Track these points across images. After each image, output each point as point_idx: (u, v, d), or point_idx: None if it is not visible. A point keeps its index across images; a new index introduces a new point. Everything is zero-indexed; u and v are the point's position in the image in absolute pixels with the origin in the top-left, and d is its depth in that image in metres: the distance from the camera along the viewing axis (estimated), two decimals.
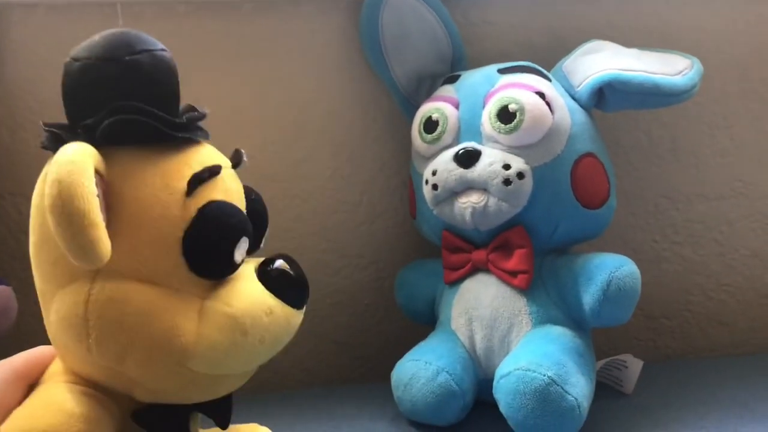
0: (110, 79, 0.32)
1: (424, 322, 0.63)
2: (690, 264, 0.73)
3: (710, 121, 0.70)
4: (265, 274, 0.35)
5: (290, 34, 0.65)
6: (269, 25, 0.65)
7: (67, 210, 0.28)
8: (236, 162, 0.38)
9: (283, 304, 0.35)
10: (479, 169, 0.54)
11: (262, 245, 0.39)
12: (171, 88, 0.34)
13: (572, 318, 0.54)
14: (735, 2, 0.69)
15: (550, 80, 0.57)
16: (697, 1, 0.69)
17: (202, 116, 0.36)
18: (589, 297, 0.52)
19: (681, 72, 0.58)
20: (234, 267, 0.35)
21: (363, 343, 0.71)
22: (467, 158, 0.54)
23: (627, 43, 0.62)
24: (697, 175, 0.71)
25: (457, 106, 0.57)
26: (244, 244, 0.35)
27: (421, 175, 0.58)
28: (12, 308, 0.55)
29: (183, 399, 0.36)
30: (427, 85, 0.64)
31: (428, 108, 0.58)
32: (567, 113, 0.55)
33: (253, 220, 0.36)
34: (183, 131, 0.34)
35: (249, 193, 0.38)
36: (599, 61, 0.57)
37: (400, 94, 0.64)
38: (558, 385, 0.48)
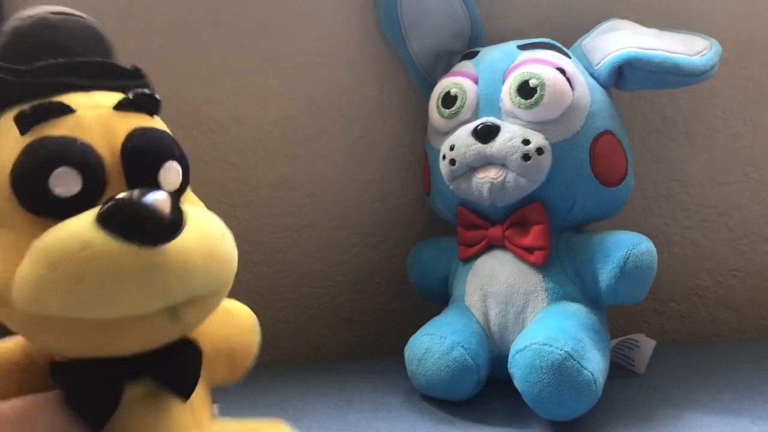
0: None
1: (436, 300, 0.63)
2: (700, 248, 0.73)
3: (724, 106, 0.70)
4: (103, 208, 0.31)
5: (307, 8, 0.65)
6: (284, 1, 0.65)
7: None
8: (121, 102, 0.36)
9: (111, 236, 0.30)
10: (498, 144, 0.53)
11: (165, 184, 0.35)
12: (51, 45, 0.35)
13: (588, 295, 0.54)
14: None
15: (570, 57, 0.57)
16: None
17: (69, 63, 0.35)
18: (605, 274, 0.52)
19: (700, 52, 0.58)
20: (57, 201, 0.32)
21: (373, 320, 0.71)
22: (486, 133, 0.54)
23: (646, 23, 0.61)
24: (709, 160, 0.71)
25: (476, 81, 0.57)
26: (65, 176, 0.32)
27: (437, 151, 0.58)
28: None
29: (53, 346, 0.34)
30: (444, 61, 0.63)
31: (447, 83, 0.58)
32: (587, 90, 0.55)
33: (135, 156, 0.34)
34: (30, 76, 0.34)
35: (138, 131, 0.35)
36: (619, 40, 0.57)
37: (417, 70, 0.64)
38: (575, 360, 0.48)
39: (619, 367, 0.61)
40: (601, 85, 0.57)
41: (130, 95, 0.36)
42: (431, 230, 0.69)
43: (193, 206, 0.35)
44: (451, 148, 0.56)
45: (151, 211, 0.31)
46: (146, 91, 0.36)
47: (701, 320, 0.74)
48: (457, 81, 0.57)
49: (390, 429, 0.51)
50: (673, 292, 0.74)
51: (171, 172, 0.36)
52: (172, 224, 0.32)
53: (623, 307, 0.70)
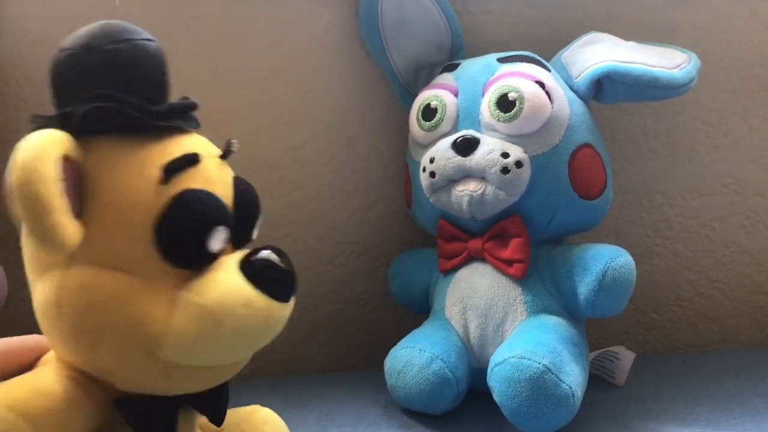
0: (90, 68, 0.33)
1: (417, 311, 0.63)
2: (681, 259, 0.73)
3: (705, 118, 0.71)
4: (247, 265, 0.33)
5: (289, 19, 0.65)
6: (268, 11, 0.65)
7: (28, 195, 0.28)
8: (225, 152, 0.37)
9: (265, 296, 0.33)
10: (477, 157, 0.54)
11: (254, 237, 0.38)
12: (154, 77, 0.35)
13: (567, 308, 0.55)
14: (732, 0, 0.69)
15: (549, 70, 0.57)
16: None
17: (187, 105, 0.36)
18: (584, 287, 0.52)
19: (679, 66, 0.58)
20: (208, 257, 0.33)
21: (356, 331, 0.71)
22: (466, 146, 0.54)
23: (625, 36, 0.62)
24: (690, 171, 0.72)
25: (456, 94, 0.57)
26: (220, 234, 0.33)
27: (417, 163, 0.58)
28: (2, 288, 0.54)
29: (162, 390, 0.35)
30: (425, 73, 0.63)
31: (427, 95, 0.58)
32: (566, 103, 0.55)
33: (241, 211, 0.36)
34: (161, 119, 0.34)
35: (239, 183, 0.37)
36: (598, 53, 0.58)
37: (398, 82, 0.64)
38: (553, 374, 0.48)
39: (598, 379, 0.61)
40: (581, 98, 0.57)
41: (233, 147, 0.37)
42: (414, 241, 0.69)
43: None
44: (431, 161, 0.56)
45: (288, 271, 0.34)
46: (233, 140, 0.37)
47: (683, 331, 0.75)
48: (437, 93, 0.58)
49: None
50: (655, 302, 0.74)
51: (258, 224, 0.38)
52: (296, 279, 0.35)
53: (605, 318, 0.70)
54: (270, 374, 0.68)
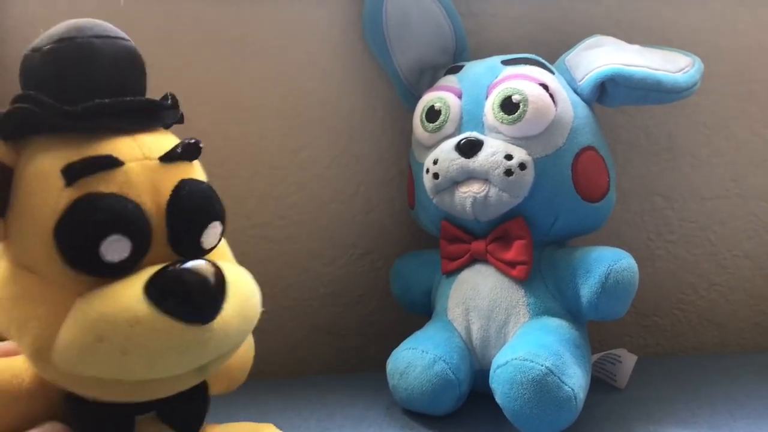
0: (32, 69, 0.34)
1: (419, 312, 0.63)
2: (683, 263, 0.73)
3: (707, 122, 0.71)
4: (154, 280, 0.31)
5: (292, 21, 0.65)
6: (271, 11, 0.65)
7: None
8: (168, 154, 0.35)
9: (161, 313, 0.31)
10: (481, 158, 0.54)
11: (207, 245, 0.36)
12: (96, 74, 0.34)
13: (569, 310, 0.55)
14: (735, 3, 0.69)
15: (553, 73, 0.57)
16: (697, 2, 0.69)
17: (123, 103, 0.34)
18: (587, 289, 0.52)
19: (682, 69, 0.58)
20: (107, 266, 0.32)
21: (356, 333, 0.71)
22: (469, 148, 0.54)
23: (628, 40, 0.62)
24: (692, 175, 0.72)
25: (459, 96, 0.57)
26: (117, 243, 0.32)
27: (421, 165, 0.58)
28: None
29: (82, 393, 0.34)
30: (428, 75, 0.63)
31: (431, 97, 0.58)
32: (570, 106, 0.55)
33: (179, 216, 0.34)
34: (79, 119, 0.33)
35: (185, 187, 0.35)
36: (602, 56, 0.58)
37: (401, 84, 0.64)
38: (555, 376, 0.48)
39: (600, 382, 0.61)
40: (584, 100, 0.57)
41: (179, 149, 0.35)
42: (415, 243, 0.69)
43: (228, 265, 0.35)
44: (435, 162, 0.56)
45: (200, 290, 0.32)
46: (192, 140, 0.36)
47: (684, 334, 0.75)
48: (441, 95, 0.58)
49: None
50: (656, 306, 0.74)
51: (213, 232, 0.36)
52: (217, 299, 0.32)
53: (606, 321, 0.70)
54: (270, 376, 0.68)
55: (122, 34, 0.36)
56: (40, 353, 0.32)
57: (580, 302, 0.53)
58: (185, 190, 0.35)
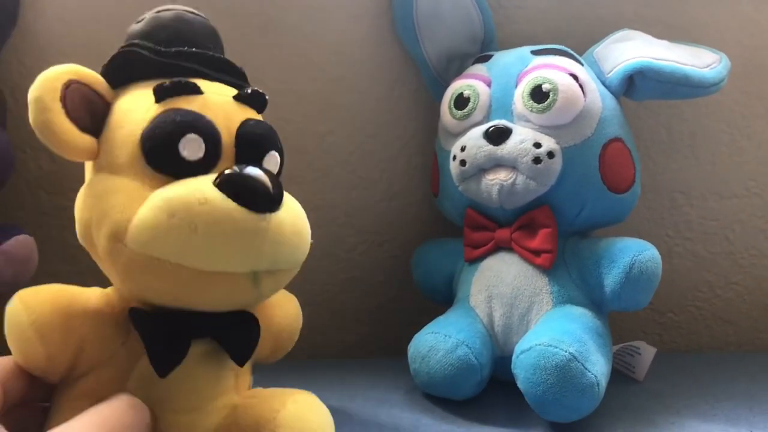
0: (132, 32, 0.41)
1: (440, 299, 0.64)
2: (700, 261, 0.74)
3: (729, 120, 0.71)
4: (220, 175, 0.35)
5: (322, 7, 0.65)
6: None
7: (38, 121, 0.36)
8: (240, 94, 0.41)
9: (227, 198, 0.34)
10: (509, 146, 0.54)
11: (269, 168, 0.40)
12: (186, 35, 0.41)
13: (592, 299, 0.55)
14: (761, 2, 0.70)
15: (582, 64, 0.58)
16: (723, 0, 0.70)
17: (199, 53, 0.41)
18: (610, 279, 0.53)
19: (710, 65, 0.59)
20: (183, 163, 0.36)
21: (375, 319, 0.72)
22: (498, 135, 0.54)
23: (654, 36, 0.62)
24: (713, 173, 0.72)
25: (489, 84, 0.57)
26: (193, 142, 0.36)
27: (447, 152, 0.58)
28: (34, 259, 0.55)
29: (147, 290, 0.36)
30: (456, 64, 0.64)
31: (460, 84, 0.59)
32: (598, 97, 0.56)
33: (244, 143, 0.39)
34: (167, 56, 0.39)
35: (250, 121, 0.40)
36: (631, 49, 0.58)
37: (429, 72, 0.64)
38: (579, 362, 0.48)
39: (618, 374, 0.61)
40: (612, 93, 0.58)
41: (248, 90, 0.41)
42: (436, 231, 0.69)
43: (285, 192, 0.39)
44: (462, 149, 0.56)
45: (260, 184, 0.35)
46: (259, 90, 0.41)
47: (699, 332, 0.75)
48: (470, 83, 0.58)
49: (394, 425, 0.51)
50: (672, 302, 0.74)
51: (272, 160, 0.41)
52: (275, 198, 0.36)
53: (622, 316, 0.70)
54: (288, 359, 0.68)
55: (205, 17, 0.43)
56: (117, 236, 0.35)
57: (603, 291, 0.53)
58: (252, 122, 0.40)
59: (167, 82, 0.38)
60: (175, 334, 0.37)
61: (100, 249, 0.37)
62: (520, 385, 0.50)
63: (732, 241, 0.74)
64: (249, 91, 0.41)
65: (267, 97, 0.42)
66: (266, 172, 0.36)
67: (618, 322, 0.72)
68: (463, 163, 0.56)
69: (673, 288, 0.74)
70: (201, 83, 0.39)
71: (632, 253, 0.53)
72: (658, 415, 0.54)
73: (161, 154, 0.36)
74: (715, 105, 0.70)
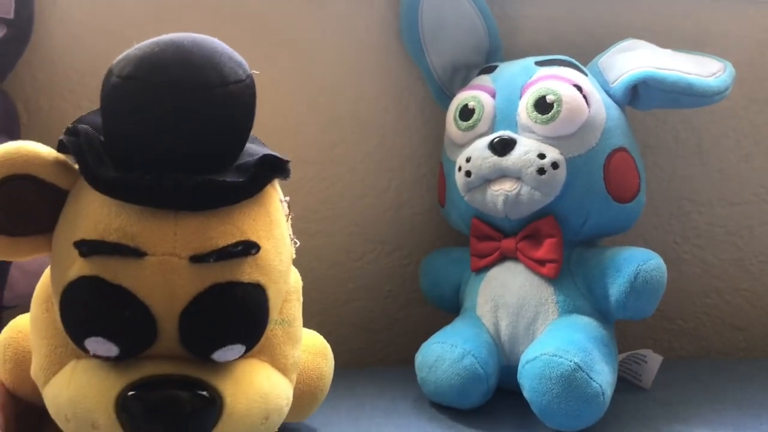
0: (115, 94, 0.32)
1: (446, 309, 0.64)
2: (709, 267, 0.74)
3: (736, 127, 0.71)
4: (126, 390, 0.31)
5: (330, 19, 0.66)
6: (310, 9, 0.66)
7: None
8: (204, 259, 0.31)
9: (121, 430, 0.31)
10: (514, 157, 0.54)
11: (219, 359, 0.33)
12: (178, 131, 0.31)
13: (598, 309, 0.55)
14: (766, 10, 0.70)
15: (586, 75, 0.58)
16: (729, 7, 0.70)
17: (162, 179, 0.30)
18: (616, 288, 0.53)
19: (714, 74, 0.59)
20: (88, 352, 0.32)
21: (383, 328, 0.72)
22: (502, 146, 0.55)
23: (659, 44, 0.62)
24: (720, 180, 0.72)
25: (493, 95, 0.58)
26: (101, 345, 0.31)
27: (453, 162, 0.59)
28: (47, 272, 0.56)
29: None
30: (462, 75, 0.64)
31: (465, 96, 0.59)
32: (602, 107, 0.56)
33: (194, 329, 0.32)
34: (105, 185, 0.31)
35: (208, 297, 0.31)
36: (635, 59, 0.58)
37: (435, 83, 0.65)
38: (584, 372, 0.48)
39: (625, 381, 0.61)
40: (616, 102, 0.58)
41: (212, 258, 0.31)
42: (444, 240, 0.69)
43: (237, 386, 0.33)
44: (468, 160, 0.57)
45: (160, 428, 0.30)
46: (240, 244, 0.31)
47: (708, 338, 0.75)
48: (474, 94, 0.59)
49: None
50: (681, 309, 0.74)
51: (229, 353, 0.32)
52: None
53: (631, 323, 0.70)
54: None
55: (252, 78, 0.33)
56: (38, 380, 0.35)
57: (608, 301, 0.54)
58: (208, 300, 0.31)
59: (91, 240, 0.30)
60: None
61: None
62: (525, 394, 0.51)
63: (740, 247, 0.73)
64: (212, 259, 0.31)
65: (253, 252, 0.32)
66: (170, 397, 0.30)
67: (627, 329, 0.72)
68: (468, 173, 0.56)
69: (681, 295, 0.74)
70: (154, 226, 0.30)
71: (637, 262, 0.53)
72: (665, 424, 0.54)
73: (74, 340, 0.32)
74: (722, 112, 0.70)
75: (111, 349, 0.30)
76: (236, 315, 0.31)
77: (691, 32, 0.69)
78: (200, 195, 0.30)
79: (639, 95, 0.58)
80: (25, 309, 0.55)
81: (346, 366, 0.71)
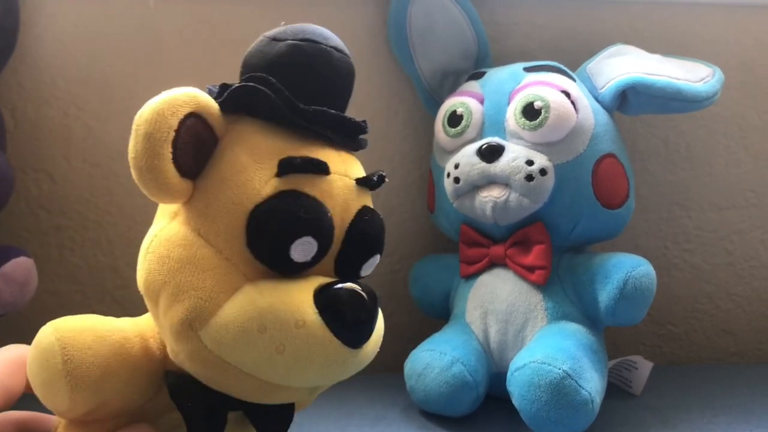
0: (266, 55, 0.36)
1: (437, 315, 0.64)
2: (699, 272, 0.74)
3: (726, 132, 0.71)
4: (322, 291, 0.32)
5: (318, 23, 0.66)
6: (297, 14, 0.66)
7: (139, 132, 0.31)
8: (365, 179, 0.37)
9: (324, 325, 0.31)
10: (502, 164, 0.54)
11: (364, 272, 0.37)
12: (324, 82, 0.36)
13: (587, 315, 0.55)
14: (756, 15, 0.70)
15: (574, 80, 0.58)
16: (718, 13, 0.70)
17: (337, 117, 0.35)
18: (605, 295, 0.53)
19: (703, 79, 0.59)
20: (289, 263, 0.33)
21: None
22: (490, 153, 0.55)
23: (649, 49, 0.62)
24: (710, 184, 0.72)
25: (482, 102, 0.58)
26: (307, 246, 0.32)
27: (442, 169, 0.59)
28: (33, 281, 0.55)
29: (204, 377, 0.33)
30: (450, 80, 0.64)
31: (453, 102, 0.59)
32: (591, 113, 0.56)
33: (353, 240, 0.35)
34: (301, 117, 0.34)
35: (366, 214, 0.36)
36: (623, 64, 0.58)
37: (423, 89, 0.65)
38: (572, 379, 0.48)
39: (616, 388, 0.61)
40: (605, 108, 0.58)
41: (374, 177, 0.37)
42: (434, 247, 0.69)
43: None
44: (456, 167, 0.56)
45: (363, 314, 0.33)
46: (384, 175, 0.38)
47: (699, 343, 0.75)
48: (463, 101, 0.58)
49: None
50: (672, 314, 0.74)
51: (372, 263, 0.37)
52: (371, 329, 0.34)
53: (622, 329, 0.70)
54: None
55: (349, 54, 0.38)
56: (193, 325, 0.32)
57: (598, 307, 0.54)
58: (367, 216, 0.36)
59: (297, 158, 0.33)
60: (211, 406, 0.34)
61: (167, 323, 0.33)
62: (515, 402, 0.51)
63: (731, 251, 0.74)
64: (375, 178, 0.37)
65: (386, 180, 0.39)
66: (365, 289, 0.33)
67: (618, 334, 0.72)
68: (457, 180, 0.56)
69: (672, 300, 0.74)
70: (328, 155, 0.35)
71: (626, 269, 0.53)
72: (656, 430, 0.54)
73: (269, 250, 0.33)
74: (711, 117, 0.70)
75: (313, 250, 0.33)
76: (382, 230, 0.37)
77: (680, 38, 0.69)
78: (354, 136, 0.38)
79: (628, 101, 0.58)
80: (11, 318, 0.55)
81: None
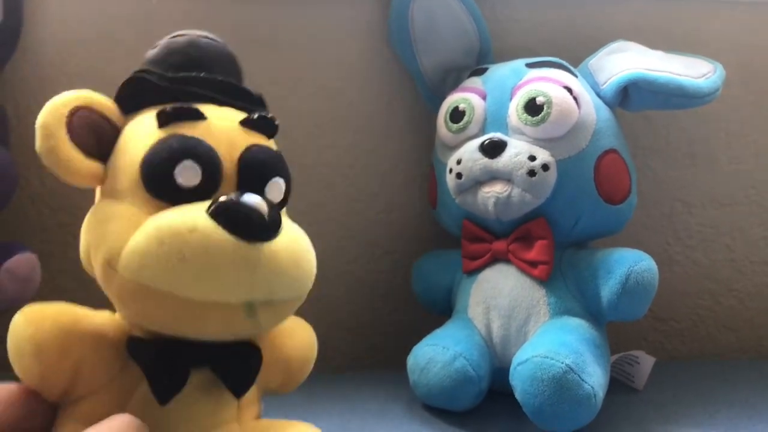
0: (146, 58, 0.42)
1: (439, 311, 0.64)
2: (701, 268, 0.74)
3: (727, 128, 0.71)
4: (213, 203, 0.35)
5: (319, 22, 0.66)
6: (299, 12, 0.66)
7: (43, 147, 0.37)
8: (246, 119, 0.40)
9: (218, 226, 0.34)
10: (504, 159, 0.54)
11: (270, 195, 0.39)
12: (198, 62, 0.41)
13: (589, 310, 0.55)
14: (757, 12, 0.70)
15: (576, 76, 0.58)
16: (719, 9, 0.70)
17: (199, 77, 0.40)
18: (607, 290, 0.53)
19: (704, 75, 0.59)
20: (179, 189, 0.36)
21: (376, 331, 0.72)
22: (493, 148, 0.55)
23: (650, 46, 0.63)
24: (712, 181, 0.72)
25: (484, 98, 0.58)
26: (190, 170, 0.36)
27: (444, 164, 0.59)
28: (36, 276, 0.56)
29: (140, 316, 0.37)
30: (452, 77, 0.65)
31: (455, 98, 0.59)
32: (593, 109, 0.56)
33: (247, 169, 0.38)
34: (173, 82, 0.40)
35: (254, 147, 0.40)
36: (625, 60, 0.58)
37: (425, 86, 0.65)
38: (575, 373, 0.48)
39: (618, 383, 0.61)
40: (607, 104, 0.58)
41: (254, 116, 0.41)
42: (435, 243, 0.69)
43: (288, 220, 0.39)
44: (458, 162, 0.57)
45: (255, 212, 0.35)
46: (267, 115, 0.41)
47: (701, 339, 0.75)
48: (465, 96, 0.59)
49: None
50: (674, 310, 0.74)
51: (275, 187, 0.40)
52: (270, 227, 0.35)
53: (623, 324, 0.70)
54: None
55: (217, 40, 0.43)
56: (110, 262, 0.35)
57: (600, 302, 0.54)
58: (255, 148, 0.39)
59: (169, 107, 0.38)
60: (173, 363, 0.37)
61: (97, 274, 0.37)
62: (517, 396, 0.51)
63: (732, 248, 0.74)
64: (255, 116, 0.41)
65: (277, 123, 0.42)
66: (264, 199, 0.36)
67: (620, 330, 0.72)
68: (459, 175, 0.56)
69: (674, 296, 0.74)
70: (208, 109, 0.39)
71: (628, 264, 0.53)
72: (657, 425, 0.54)
73: (158, 181, 0.36)
74: (713, 114, 0.70)
75: (197, 174, 0.36)
76: (277, 158, 0.41)
77: (681, 34, 0.69)
78: (239, 90, 0.42)
79: (629, 97, 0.58)
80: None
81: (338, 369, 0.71)
